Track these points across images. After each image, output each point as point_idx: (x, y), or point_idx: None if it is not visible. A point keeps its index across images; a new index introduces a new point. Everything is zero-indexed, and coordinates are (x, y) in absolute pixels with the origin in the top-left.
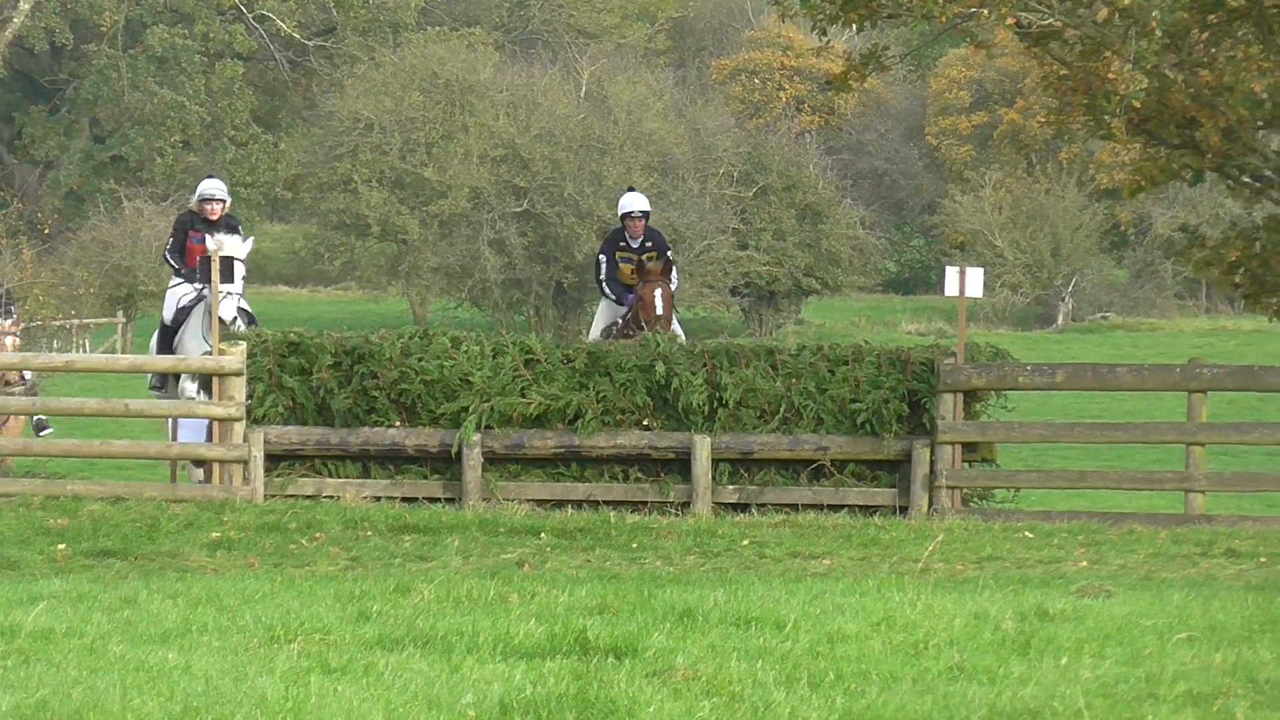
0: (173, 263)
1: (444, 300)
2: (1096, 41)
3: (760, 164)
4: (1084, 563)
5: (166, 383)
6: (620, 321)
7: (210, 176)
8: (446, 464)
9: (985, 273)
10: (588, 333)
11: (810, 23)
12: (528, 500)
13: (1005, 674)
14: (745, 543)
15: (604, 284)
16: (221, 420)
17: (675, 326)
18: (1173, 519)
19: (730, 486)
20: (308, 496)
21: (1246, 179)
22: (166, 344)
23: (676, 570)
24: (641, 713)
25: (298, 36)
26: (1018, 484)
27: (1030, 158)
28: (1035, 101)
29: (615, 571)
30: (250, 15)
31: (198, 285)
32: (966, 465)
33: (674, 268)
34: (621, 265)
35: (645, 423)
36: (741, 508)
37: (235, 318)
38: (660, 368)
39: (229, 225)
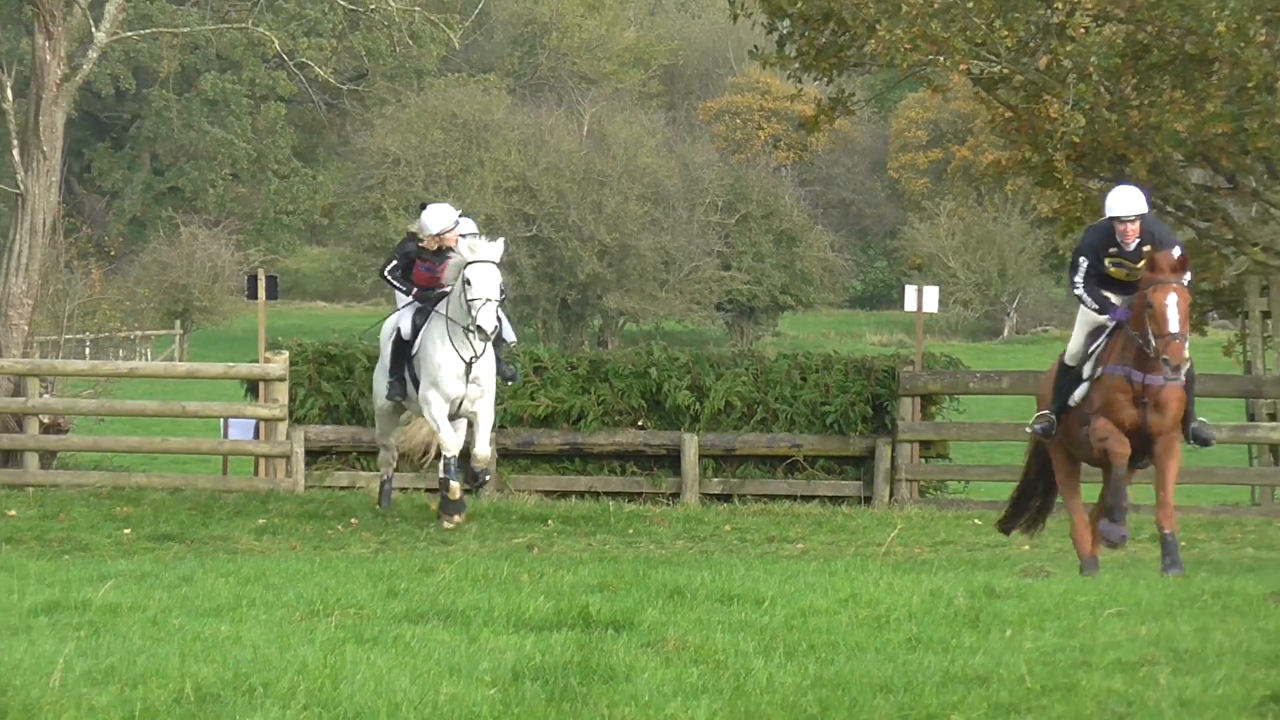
0: (399, 285)
1: None
2: (1039, 86)
3: (742, 194)
4: (1026, 547)
5: (406, 390)
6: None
7: (424, 206)
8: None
9: (940, 290)
10: (592, 344)
11: (786, 71)
12: (537, 491)
13: (957, 644)
14: (728, 529)
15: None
16: (267, 420)
17: None
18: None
19: (715, 479)
20: (343, 487)
21: (1170, 208)
22: (404, 355)
23: (668, 553)
24: (637, 678)
25: (333, 81)
26: (968, 477)
27: (980, 189)
28: (985, 140)
29: (614, 554)
30: (291, 63)
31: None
32: (923, 461)
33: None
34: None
35: (640, 423)
36: (725, 498)
37: (496, 325)
38: (653, 374)
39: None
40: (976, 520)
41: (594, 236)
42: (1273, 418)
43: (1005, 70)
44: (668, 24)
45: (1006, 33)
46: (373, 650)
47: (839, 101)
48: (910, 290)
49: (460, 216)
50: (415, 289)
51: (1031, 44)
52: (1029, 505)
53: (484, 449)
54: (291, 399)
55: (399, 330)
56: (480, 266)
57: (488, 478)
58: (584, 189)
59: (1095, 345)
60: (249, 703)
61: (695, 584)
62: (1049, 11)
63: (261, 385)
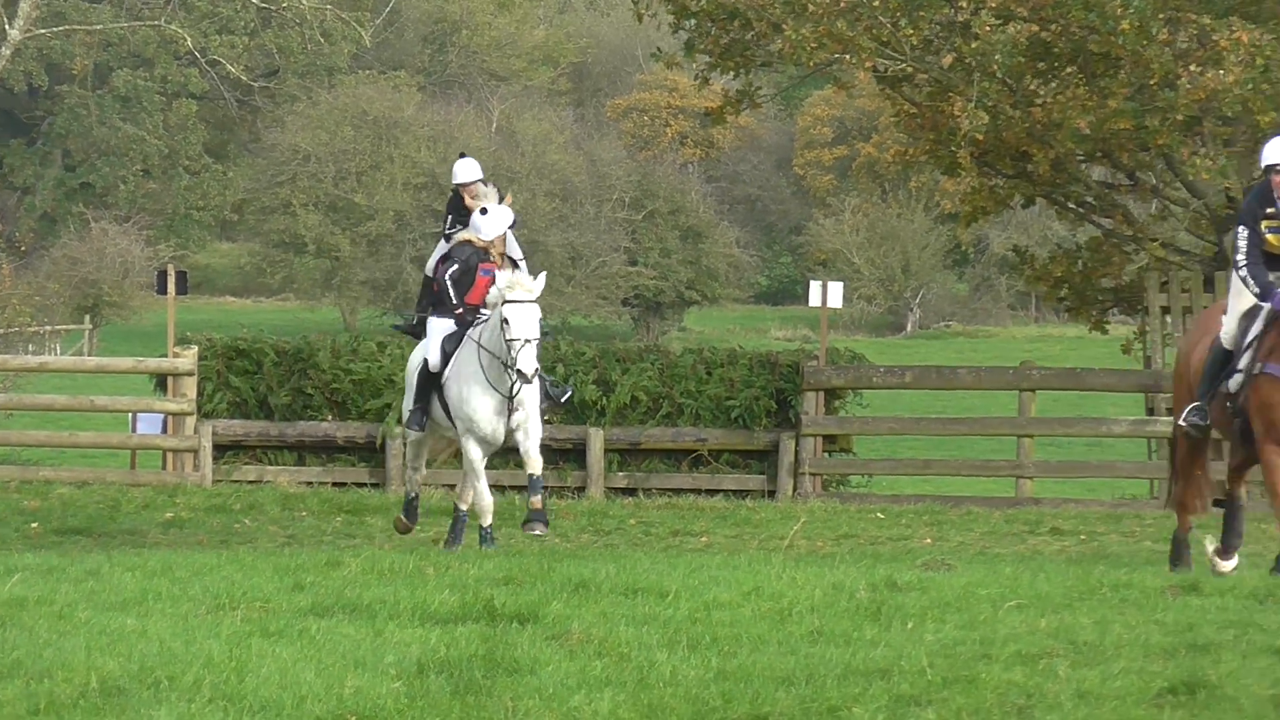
0: (452, 295)
1: (371, 310)
2: (943, 84)
3: (649, 191)
4: (928, 540)
5: (425, 422)
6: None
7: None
8: (372, 453)
9: (844, 286)
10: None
11: (693, 71)
12: (443, 485)
13: (859, 637)
14: (633, 522)
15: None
16: (175, 415)
17: None
18: (1005, 502)
19: (620, 473)
20: (250, 482)
21: (1072, 205)
22: (430, 386)
23: (573, 546)
24: (541, 671)
25: (245, 78)
26: (871, 471)
27: (884, 186)
28: (889, 137)
29: (519, 547)
30: (203, 60)
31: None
32: (827, 455)
33: None
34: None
35: (546, 417)
36: (630, 492)
37: (537, 369)
38: (560, 369)
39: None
40: (879, 514)
41: None
42: (1172, 412)
43: (910, 68)
44: (577, 22)
45: (911, 31)
46: (278, 643)
47: (745, 94)
48: (815, 286)
49: (500, 202)
50: (461, 308)
51: (936, 42)
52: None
53: (535, 459)
54: (200, 393)
55: (426, 361)
56: (519, 307)
57: (547, 519)
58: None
59: (1253, 331)
60: (154, 696)
61: (600, 577)
62: (953, 10)
63: (170, 380)
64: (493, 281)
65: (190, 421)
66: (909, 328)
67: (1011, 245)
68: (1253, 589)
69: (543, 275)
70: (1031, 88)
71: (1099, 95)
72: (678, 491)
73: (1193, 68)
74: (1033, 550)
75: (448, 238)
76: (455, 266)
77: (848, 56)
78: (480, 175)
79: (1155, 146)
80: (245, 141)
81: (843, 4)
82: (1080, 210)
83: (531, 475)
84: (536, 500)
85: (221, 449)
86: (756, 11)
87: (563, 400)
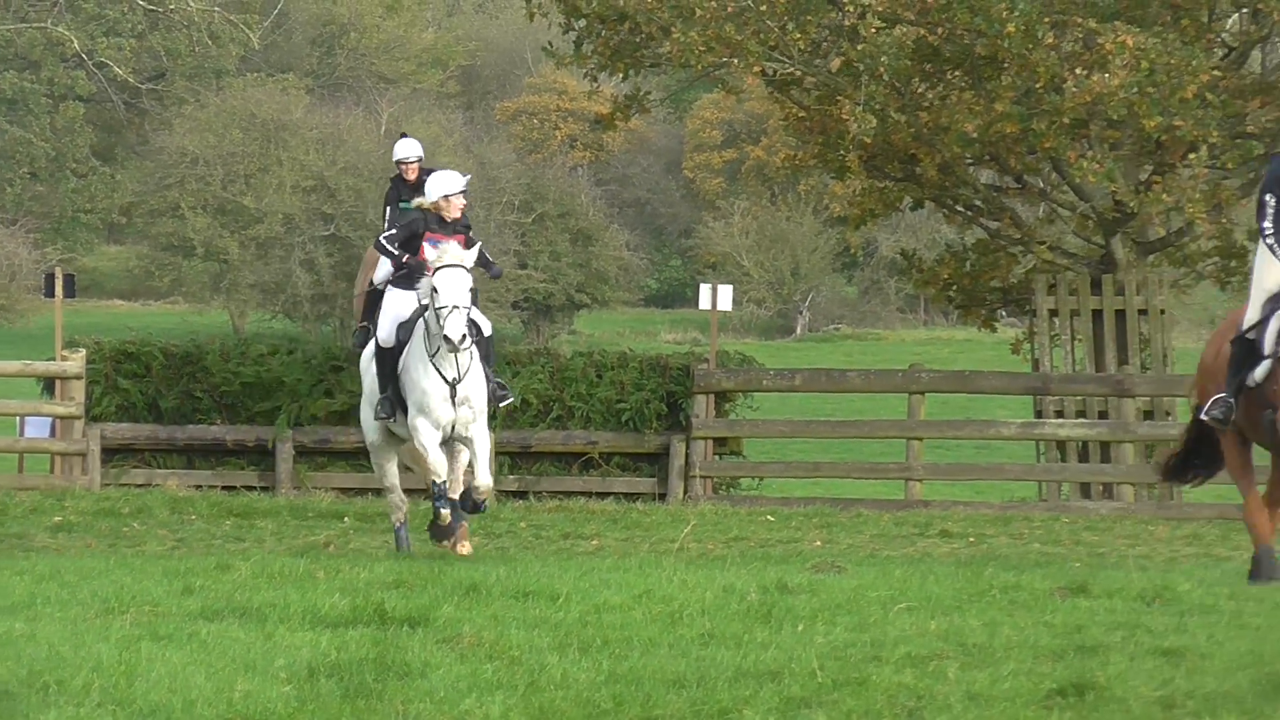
0: (391, 250)
1: (260, 313)
2: (831, 88)
3: (538, 194)
4: (818, 542)
5: (396, 413)
6: None
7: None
8: (262, 456)
9: (734, 289)
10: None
11: (583, 70)
12: (333, 489)
13: (750, 640)
14: (524, 525)
15: None
16: (63, 418)
17: None
18: (895, 504)
19: (511, 476)
20: (139, 485)
21: (960, 208)
22: (389, 370)
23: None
24: (432, 675)
25: (132, 81)
26: (761, 474)
27: (773, 189)
28: (778, 140)
29: (410, 552)
30: (90, 62)
31: (418, 293)
32: (717, 457)
33: None
34: None
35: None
36: (521, 494)
37: (464, 334)
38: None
39: (459, 225)
40: (769, 517)
41: None
42: (1060, 415)
43: (798, 72)
44: (466, 25)
45: (799, 35)
46: (168, 647)
47: (634, 99)
48: (705, 289)
49: (449, 170)
50: (410, 259)
51: (824, 46)
52: (1189, 475)
53: (485, 478)
54: (88, 397)
55: (377, 340)
56: (447, 272)
57: (487, 507)
58: (382, 188)
59: (1277, 313)
60: (43, 700)
61: (491, 580)
62: (840, 14)
63: (58, 383)
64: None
65: (78, 425)
66: (798, 331)
67: (900, 248)
68: (1140, 591)
69: (477, 244)
70: (919, 91)
71: (986, 99)
72: (568, 494)
73: (1078, 71)
74: (922, 552)
75: (389, 241)
76: (395, 232)
77: (736, 60)
78: (420, 153)
79: (1042, 150)
80: (133, 144)
81: (730, 8)
82: (968, 213)
83: (476, 498)
84: (445, 516)
85: (110, 452)
86: (645, 14)
87: (503, 404)
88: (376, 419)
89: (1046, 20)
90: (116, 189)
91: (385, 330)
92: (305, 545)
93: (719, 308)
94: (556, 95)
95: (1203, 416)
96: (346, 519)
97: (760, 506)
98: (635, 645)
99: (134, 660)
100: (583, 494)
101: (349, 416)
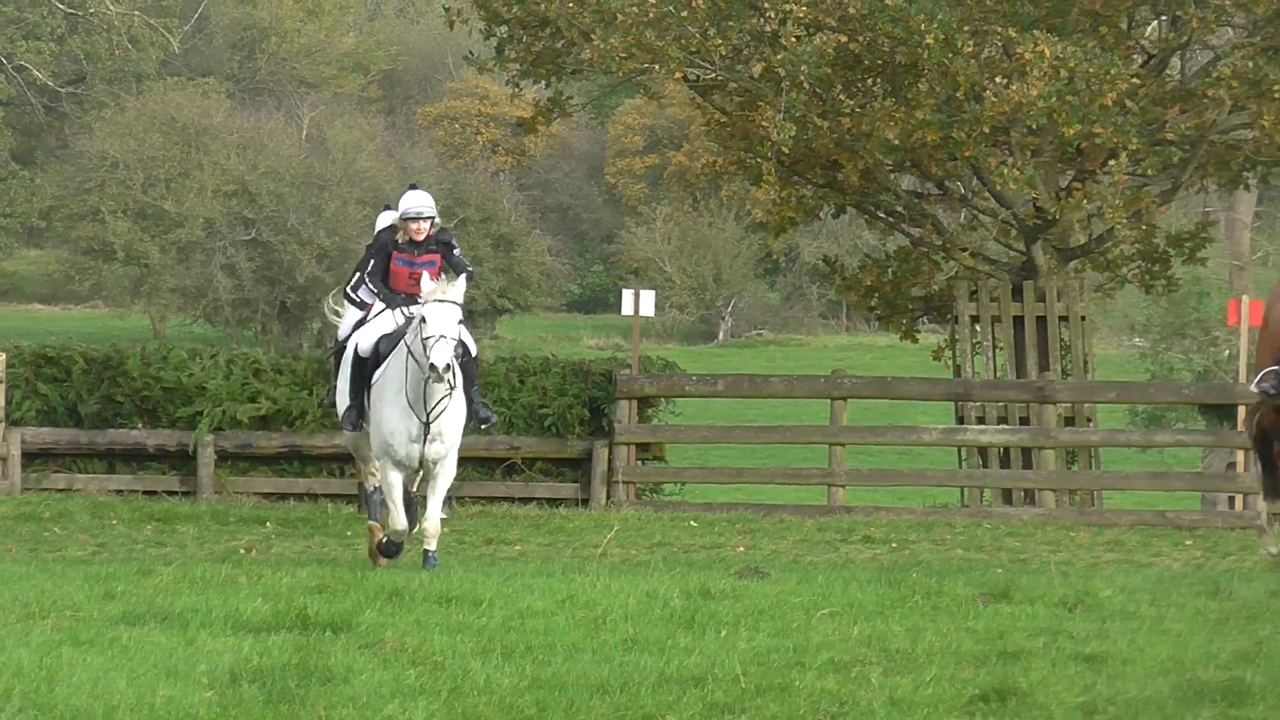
0: (371, 287)
1: (181, 317)
2: (753, 94)
3: (460, 199)
4: (741, 548)
5: (360, 422)
6: None
7: (413, 187)
8: (183, 461)
9: (656, 295)
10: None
11: (505, 75)
12: (255, 493)
13: (673, 645)
14: (447, 531)
15: None
16: None
17: None
18: (817, 510)
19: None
20: (60, 490)
21: (881, 214)
22: (361, 380)
23: None
24: (355, 680)
25: (52, 84)
26: (684, 479)
27: (695, 195)
28: (700, 146)
29: (332, 556)
30: (9, 65)
31: (404, 311)
32: (640, 463)
33: None
34: None
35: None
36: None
37: (449, 364)
38: None
39: (441, 242)
40: (692, 522)
41: (313, 240)
42: (981, 421)
43: (720, 78)
44: (387, 29)
45: (720, 41)
46: (89, 652)
47: (556, 103)
48: (627, 294)
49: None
50: (392, 295)
51: (745, 52)
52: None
53: (434, 520)
54: (8, 401)
55: (356, 346)
56: (437, 305)
57: (436, 562)
58: (303, 193)
59: None
60: None
61: (414, 586)
62: (762, 20)
63: None
64: (410, 274)
65: None
66: (721, 336)
67: (822, 254)
68: (1062, 596)
69: (463, 278)
70: (839, 98)
71: (906, 106)
72: (491, 500)
73: (998, 80)
74: (845, 558)
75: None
76: (372, 263)
77: (657, 66)
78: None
79: (963, 157)
80: (53, 148)
81: (651, 14)
82: (890, 220)
83: (426, 552)
84: (386, 563)
85: (30, 457)
86: (567, 20)
87: (484, 426)
88: (344, 427)
89: (966, 29)
90: (36, 193)
91: (367, 341)
92: (227, 550)
93: (642, 313)
94: (478, 100)
95: (1252, 388)
96: (268, 524)
97: (683, 512)
98: (558, 651)
99: (55, 665)
100: (505, 499)
101: (271, 421)
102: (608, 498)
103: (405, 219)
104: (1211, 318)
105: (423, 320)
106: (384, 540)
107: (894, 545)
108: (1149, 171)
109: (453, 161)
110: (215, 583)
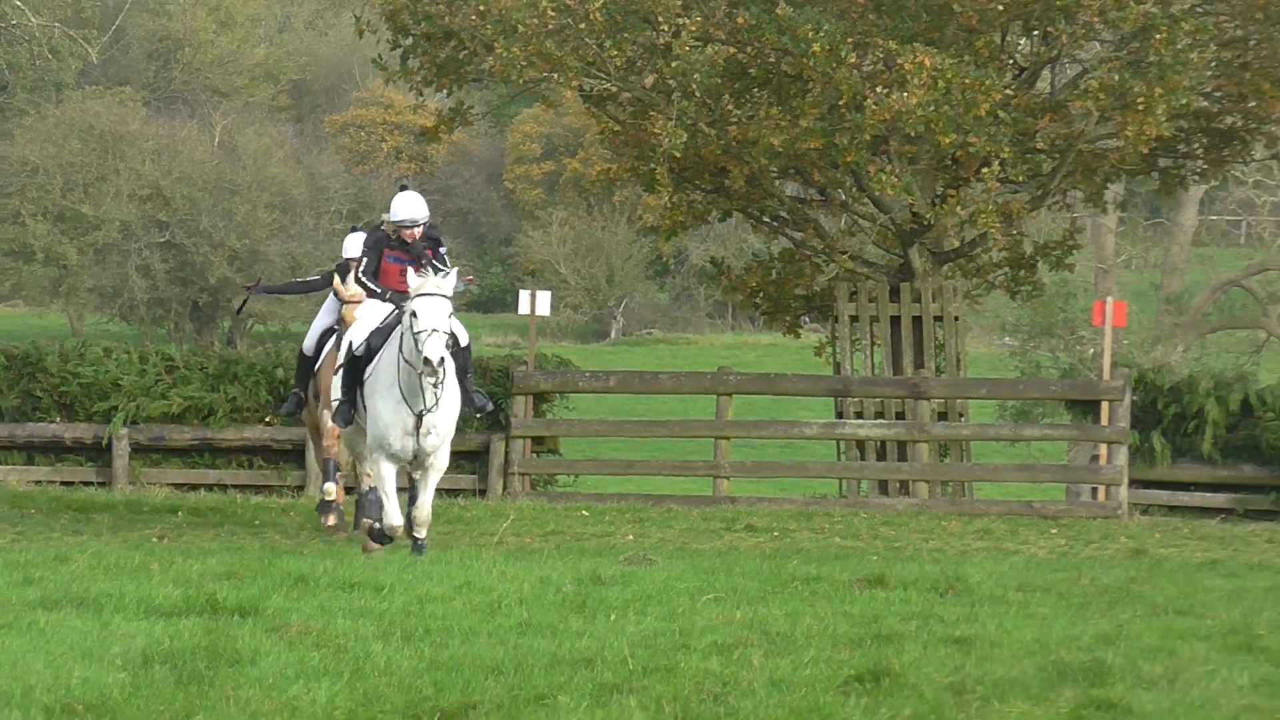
0: (370, 285)
1: (98, 316)
2: (645, 103)
3: (365, 203)
4: (631, 536)
5: (353, 416)
6: None
7: (404, 188)
8: (99, 453)
9: (552, 295)
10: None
11: (409, 85)
12: (167, 484)
13: (565, 629)
14: (350, 520)
15: None
16: None
17: None
18: (703, 500)
19: (339, 473)
20: None
21: (766, 219)
22: (353, 377)
23: (293, 543)
24: (261, 662)
25: None
26: (577, 471)
27: (589, 200)
28: (595, 153)
29: (241, 544)
30: None
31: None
32: (535, 455)
33: None
34: None
35: (267, 419)
36: (348, 491)
37: (442, 357)
38: (280, 373)
39: (430, 239)
40: (584, 512)
41: (224, 242)
42: (860, 416)
43: (614, 87)
44: (296, 41)
45: (616, 52)
46: (8, 635)
47: (458, 113)
48: (524, 295)
49: (414, 198)
50: (388, 292)
51: (639, 63)
52: None
53: (425, 509)
54: None
55: (350, 346)
56: (427, 299)
57: (425, 547)
58: (215, 197)
59: None
60: None
61: (318, 572)
62: (655, 33)
63: None
64: (401, 271)
65: None
66: (613, 335)
67: (709, 257)
68: (934, 582)
69: (454, 271)
70: (728, 107)
71: (791, 115)
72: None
73: (879, 90)
74: (729, 546)
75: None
76: (365, 260)
77: (555, 75)
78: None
79: (844, 164)
80: None
81: (550, 25)
82: (774, 224)
83: (415, 539)
84: (376, 548)
85: None
86: (469, 31)
87: (479, 414)
88: (334, 422)
89: (850, 41)
90: None
91: (359, 338)
92: (140, 538)
93: (538, 313)
94: (383, 109)
95: None
96: (180, 513)
97: (576, 502)
98: (456, 634)
99: None
100: (405, 490)
101: (183, 416)
102: (504, 489)
103: (401, 226)
104: (1078, 318)
105: (414, 314)
106: (375, 527)
107: (775, 534)
108: (1019, 179)
109: (358, 168)
110: (129, 569)
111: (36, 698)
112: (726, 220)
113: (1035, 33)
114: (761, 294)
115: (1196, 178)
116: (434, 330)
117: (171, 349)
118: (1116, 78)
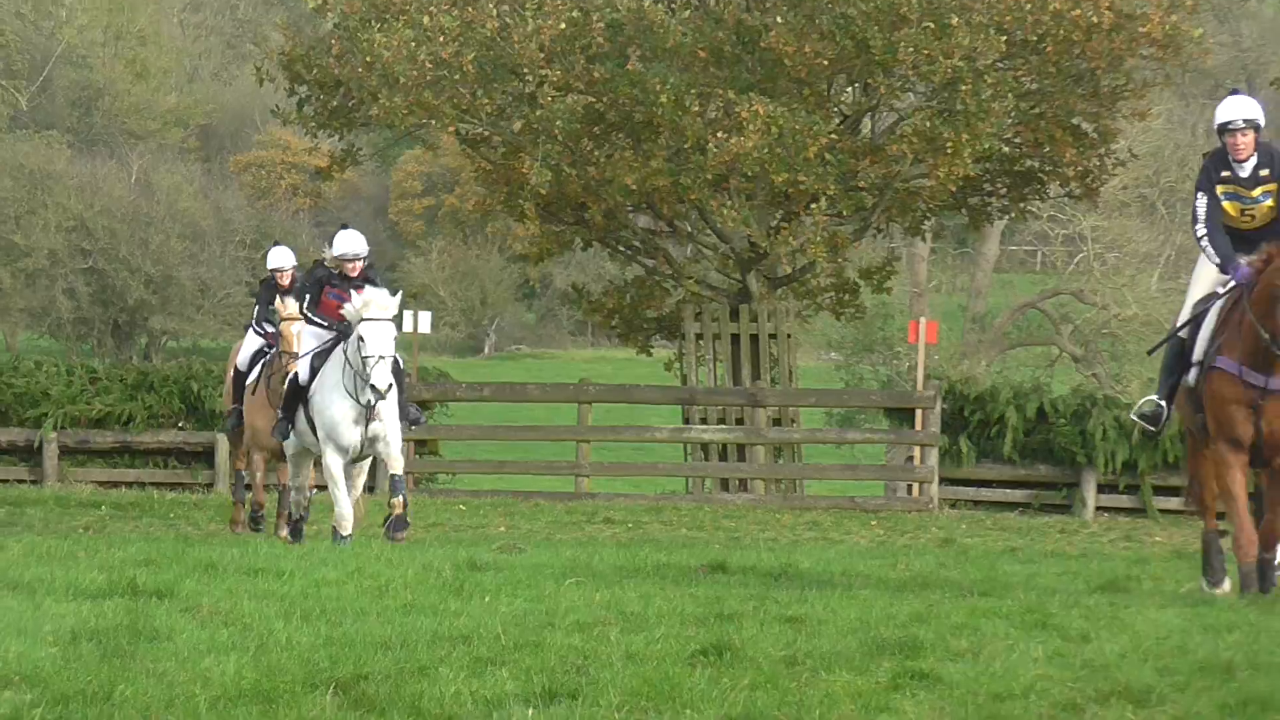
0: (314, 319)
1: (29, 333)
2: (514, 145)
3: (266, 233)
4: (503, 528)
5: (289, 431)
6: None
7: (345, 227)
8: (31, 455)
9: (432, 315)
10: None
11: (304, 129)
12: (92, 482)
13: (445, 609)
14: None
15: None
16: None
17: None
18: (567, 496)
19: (246, 473)
20: None
21: (622, 248)
22: (294, 398)
23: (203, 534)
24: (177, 638)
25: None
26: (455, 470)
27: (465, 231)
28: (470, 189)
29: (158, 535)
30: None
31: (336, 330)
32: (418, 456)
33: None
34: None
35: (181, 425)
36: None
37: (391, 384)
38: (193, 385)
39: (368, 279)
40: (461, 506)
41: (141, 268)
42: (704, 421)
43: (486, 132)
44: (203, 90)
45: (487, 100)
46: None
47: (348, 154)
48: (408, 315)
49: (354, 235)
50: (328, 320)
51: (508, 110)
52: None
53: (398, 460)
54: None
55: (295, 374)
56: (375, 325)
57: (408, 526)
58: (133, 228)
59: (1209, 321)
60: None
61: (226, 560)
62: (522, 83)
63: None
64: (338, 305)
65: None
66: (486, 350)
67: (572, 282)
68: (769, 568)
69: (399, 294)
70: (588, 149)
71: (643, 157)
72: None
73: (720, 135)
74: (589, 536)
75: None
76: (307, 297)
77: (433, 121)
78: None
79: (690, 200)
80: None
81: (428, 76)
82: (629, 252)
83: (393, 475)
84: (398, 502)
85: None
86: (356, 82)
87: (414, 425)
88: (272, 436)
89: (693, 92)
90: None
91: (303, 370)
92: (68, 529)
93: (420, 331)
94: (281, 150)
95: (1132, 415)
96: (103, 507)
97: (454, 498)
98: (349, 614)
99: None
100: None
101: (105, 421)
102: None
103: (343, 259)
104: (895, 336)
105: (360, 339)
106: (295, 518)
107: (630, 525)
108: (844, 213)
109: (260, 202)
110: (58, 557)
111: None
112: (587, 249)
113: (857, 84)
114: (618, 315)
115: (1000, 213)
116: (381, 357)
117: (95, 363)
118: (928, 124)
